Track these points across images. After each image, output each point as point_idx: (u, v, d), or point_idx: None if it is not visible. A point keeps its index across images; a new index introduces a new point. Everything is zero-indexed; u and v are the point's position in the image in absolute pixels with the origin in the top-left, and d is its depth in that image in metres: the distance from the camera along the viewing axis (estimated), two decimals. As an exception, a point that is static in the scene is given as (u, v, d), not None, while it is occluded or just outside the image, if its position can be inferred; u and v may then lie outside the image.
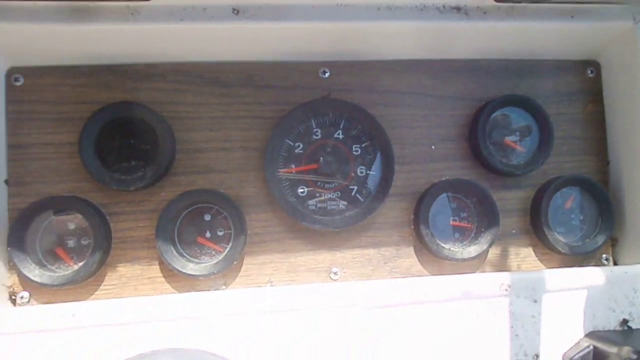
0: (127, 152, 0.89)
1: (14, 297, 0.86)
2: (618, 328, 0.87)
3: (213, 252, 0.91)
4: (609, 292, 0.88)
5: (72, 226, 0.89)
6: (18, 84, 0.89)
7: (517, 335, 0.84)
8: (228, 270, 0.90)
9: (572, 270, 0.91)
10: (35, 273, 0.84)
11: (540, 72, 1.03)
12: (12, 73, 0.89)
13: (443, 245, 0.95)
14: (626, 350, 0.74)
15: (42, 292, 0.86)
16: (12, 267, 0.86)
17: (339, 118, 0.96)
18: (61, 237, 0.88)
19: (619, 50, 0.98)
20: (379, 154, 0.96)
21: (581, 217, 1.01)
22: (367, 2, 0.88)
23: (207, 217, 0.91)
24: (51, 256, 0.88)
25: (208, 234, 0.91)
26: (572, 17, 0.93)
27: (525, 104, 0.99)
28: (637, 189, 0.96)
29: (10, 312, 0.79)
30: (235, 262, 0.89)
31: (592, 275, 0.89)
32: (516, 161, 1.00)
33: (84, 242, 0.88)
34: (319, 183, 0.95)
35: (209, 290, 0.90)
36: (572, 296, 0.87)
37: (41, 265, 0.87)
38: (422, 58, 0.99)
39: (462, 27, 0.91)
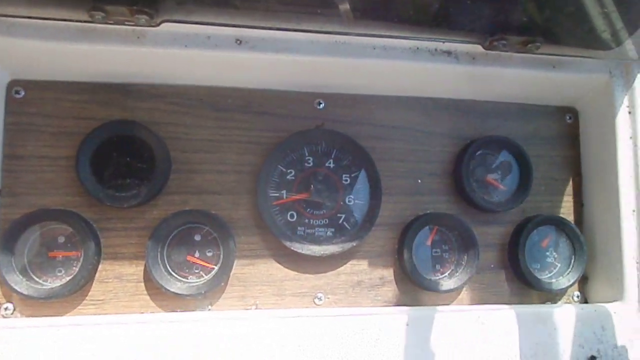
0: (123, 169, 0.91)
1: (-3, 309, 0.86)
2: (586, 364, 0.91)
3: (201, 273, 0.92)
4: (579, 329, 0.92)
5: (62, 239, 0.89)
6: (18, 96, 0.90)
7: (491, 367, 0.88)
8: (214, 292, 0.91)
9: (545, 307, 0.96)
10: (22, 285, 0.84)
11: (522, 115, 1.09)
12: (13, 85, 0.90)
13: (425, 276, 0.98)
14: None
15: (26, 304, 0.86)
16: (-2, 278, 0.86)
17: (331, 148, 1.00)
18: (50, 250, 0.88)
19: (596, 100, 1.05)
20: (367, 185, 0.99)
21: (555, 255, 1.06)
22: (364, 41, 0.93)
23: (198, 238, 0.93)
24: (39, 269, 0.88)
25: (197, 254, 0.93)
26: (554, 67, 1.00)
27: (507, 145, 1.05)
28: (609, 232, 1.02)
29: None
30: (222, 284, 0.90)
31: (564, 313, 0.93)
32: (497, 199, 1.05)
33: (73, 256, 0.89)
34: (308, 210, 0.97)
35: (194, 310, 0.91)
36: (545, 332, 0.91)
37: (28, 277, 0.87)
38: (413, 95, 1.04)
39: (452, 69, 0.97)
